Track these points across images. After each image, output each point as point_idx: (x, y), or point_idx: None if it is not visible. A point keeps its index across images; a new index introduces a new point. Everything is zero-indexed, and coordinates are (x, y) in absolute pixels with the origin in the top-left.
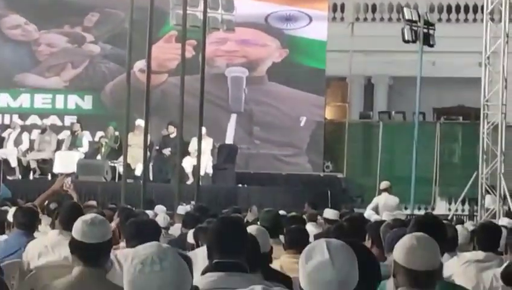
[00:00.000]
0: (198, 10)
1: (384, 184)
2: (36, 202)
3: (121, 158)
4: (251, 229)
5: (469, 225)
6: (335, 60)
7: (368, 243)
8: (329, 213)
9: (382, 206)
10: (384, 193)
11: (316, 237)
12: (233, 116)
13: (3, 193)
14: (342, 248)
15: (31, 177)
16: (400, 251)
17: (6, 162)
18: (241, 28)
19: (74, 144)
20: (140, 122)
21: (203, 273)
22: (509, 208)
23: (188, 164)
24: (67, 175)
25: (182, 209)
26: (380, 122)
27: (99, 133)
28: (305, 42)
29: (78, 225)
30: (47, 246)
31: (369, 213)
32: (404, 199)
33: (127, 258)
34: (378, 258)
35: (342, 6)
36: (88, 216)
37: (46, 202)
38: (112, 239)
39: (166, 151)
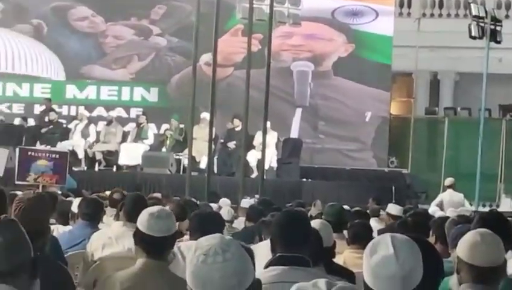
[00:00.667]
0: (264, 4)
1: (449, 181)
2: None
3: (186, 151)
4: (315, 223)
5: None
6: (401, 55)
7: (431, 239)
8: (393, 209)
9: (447, 203)
10: (449, 190)
11: (380, 232)
12: (299, 111)
13: (68, 184)
14: (406, 243)
15: (96, 168)
16: (463, 247)
17: (73, 153)
18: (307, 22)
19: (139, 136)
20: (205, 115)
21: (266, 266)
22: None
23: (252, 157)
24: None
25: (246, 202)
26: (445, 118)
27: (165, 126)
28: (371, 37)
29: (144, 218)
30: (111, 237)
31: (433, 209)
32: (468, 196)
33: (190, 249)
34: (442, 254)
35: (409, 2)
36: (154, 209)
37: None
38: (176, 232)
39: (231, 144)
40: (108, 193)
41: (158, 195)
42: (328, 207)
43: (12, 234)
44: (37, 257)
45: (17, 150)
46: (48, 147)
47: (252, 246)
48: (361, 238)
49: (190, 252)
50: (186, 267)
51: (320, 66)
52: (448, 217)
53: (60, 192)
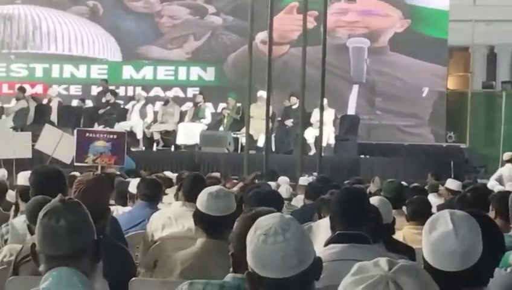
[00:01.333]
0: None
1: (507, 155)
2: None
3: (244, 129)
4: (374, 200)
5: None
6: (457, 29)
7: (491, 214)
8: (452, 184)
9: (506, 177)
10: (508, 164)
11: (439, 207)
12: (355, 87)
13: (127, 165)
14: (465, 218)
15: (154, 148)
16: None
17: (131, 133)
18: None
19: (197, 116)
20: (262, 94)
21: (326, 244)
22: None
23: (310, 134)
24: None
25: (304, 180)
26: (502, 92)
27: (222, 105)
28: (427, 12)
29: (203, 197)
30: (170, 217)
31: (492, 184)
32: None
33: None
34: (502, 229)
35: None
36: (213, 188)
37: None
38: (236, 212)
39: (289, 122)
40: (166, 173)
41: (217, 174)
42: (386, 183)
43: (76, 216)
44: (100, 240)
45: (75, 131)
46: (106, 128)
47: (312, 224)
48: (420, 214)
49: (250, 231)
50: (246, 246)
51: (376, 42)
52: (508, 192)
53: (118, 173)
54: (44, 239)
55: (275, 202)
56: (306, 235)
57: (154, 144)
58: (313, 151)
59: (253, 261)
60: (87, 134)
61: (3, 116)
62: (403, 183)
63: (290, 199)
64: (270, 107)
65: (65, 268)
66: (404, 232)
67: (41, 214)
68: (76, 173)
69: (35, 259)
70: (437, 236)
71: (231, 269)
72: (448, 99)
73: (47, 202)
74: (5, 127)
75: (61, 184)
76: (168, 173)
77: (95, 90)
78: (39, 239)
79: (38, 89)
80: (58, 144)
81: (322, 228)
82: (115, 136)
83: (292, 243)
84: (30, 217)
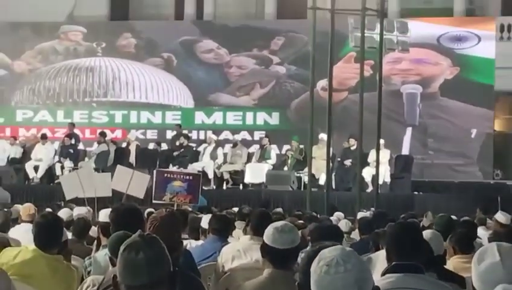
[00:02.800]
0: (375, 33)
1: None
2: None
3: (306, 169)
4: (426, 233)
5: None
6: (503, 76)
7: None
8: (502, 217)
9: None
10: None
11: (490, 238)
12: (409, 129)
13: (200, 202)
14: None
15: (224, 187)
16: None
17: (203, 173)
18: (415, 48)
19: (263, 157)
20: (323, 136)
21: (383, 274)
22: None
23: (367, 173)
24: None
25: (362, 215)
26: None
27: (286, 147)
28: (474, 60)
29: (269, 232)
30: (239, 250)
31: None
32: None
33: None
34: None
35: (509, 27)
36: (279, 223)
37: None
38: (300, 245)
39: (348, 162)
40: (235, 209)
41: (280, 210)
42: (438, 218)
43: (153, 250)
44: (175, 271)
45: (155, 172)
46: (180, 169)
47: (371, 255)
48: (464, 246)
49: (314, 262)
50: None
51: (427, 88)
52: None
53: (191, 209)
54: (125, 271)
55: (336, 235)
56: (365, 266)
57: (224, 183)
58: (370, 189)
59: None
60: (166, 174)
61: (86, 159)
62: (453, 217)
63: (349, 233)
64: (331, 149)
65: None
66: (452, 262)
67: (122, 248)
68: (153, 210)
69: (117, 289)
70: (485, 267)
71: None
72: (495, 140)
73: (127, 237)
74: (88, 168)
75: (139, 220)
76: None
77: (169, 134)
78: (120, 271)
79: (118, 133)
80: (131, 182)
81: (380, 259)
82: (191, 177)
83: (353, 274)
84: (112, 251)
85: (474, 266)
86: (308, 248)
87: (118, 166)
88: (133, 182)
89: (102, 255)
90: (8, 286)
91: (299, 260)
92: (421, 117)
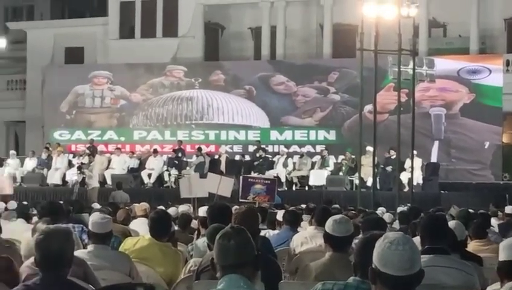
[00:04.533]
0: (409, 68)
1: None
2: None
3: (357, 174)
4: (451, 223)
5: None
6: (509, 100)
7: None
8: (509, 209)
9: None
10: None
11: (500, 226)
12: (436, 142)
13: (276, 200)
14: None
15: (293, 188)
16: None
17: (278, 178)
18: (440, 79)
19: (323, 165)
20: (369, 148)
21: None
22: None
23: (404, 177)
24: None
25: (401, 209)
26: None
27: (341, 157)
28: (486, 88)
29: (330, 223)
30: (306, 237)
31: None
32: None
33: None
34: None
35: None
36: (337, 216)
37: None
38: (354, 233)
39: (389, 168)
40: (303, 205)
41: (337, 206)
42: (459, 211)
43: (241, 238)
44: (258, 254)
45: (241, 177)
46: (260, 175)
47: None
48: (480, 233)
49: (379, 240)
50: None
51: (450, 110)
52: None
53: (268, 206)
54: (220, 254)
55: (381, 225)
56: (417, 249)
57: (294, 185)
58: (406, 189)
59: (377, 260)
60: (249, 179)
61: (187, 168)
62: (471, 210)
63: (391, 223)
64: (375, 158)
65: (234, 274)
66: (472, 245)
67: (217, 236)
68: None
69: (214, 268)
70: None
71: (353, 274)
72: (503, 150)
73: (221, 228)
74: (190, 175)
75: (228, 215)
76: (303, 206)
77: (251, 148)
78: (216, 254)
79: (212, 148)
80: (220, 185)
81: (416, 244)
82: (269, 181)
83: (408, 253)
84: (209, 239)
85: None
86: (360, 235)
87: (209, 173)
88: (222, 185)
89: (201, 242)
90: (130, 265)
91: (353, 245)
92: (445, 133)
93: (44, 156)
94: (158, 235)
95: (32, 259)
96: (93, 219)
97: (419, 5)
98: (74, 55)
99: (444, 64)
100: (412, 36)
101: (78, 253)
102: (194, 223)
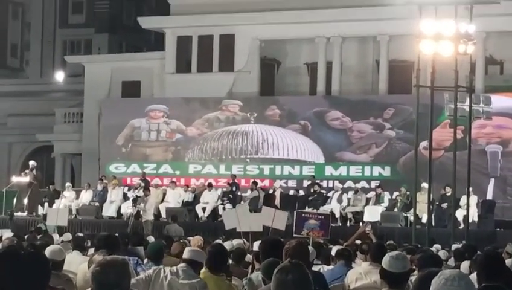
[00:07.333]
0: (465, 105)
1: None
2: (348, 242)
3: (412, 210)
4: (508, 261)
5: None
6: None
7: None
8: None
9: None
10: None
11: None
12: (492, 180)
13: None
14: None
15: (348, 224)
16: None
17: (332, 214)
18: (496, 116)
19: (378, 201)
20: (424, 185)
21: None
22: None
23: (459, 214)
24: (369, 223)
25: (456, 246)
26: None
27: (396, 193)
28: None
29: (387, 259)
30: (361, 273)
31: None
32: None
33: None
34: None
35: None
36: (394, 253)
37: (357, 241)
38: (409, 270)
39: (444, 205)
40: (358, 242)
41: (391, 242)
42: None
43: (299, 272)
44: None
45: (295, 212)
46: (314, 210)
47: None
48: None
49: (435, 278)
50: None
51: (506, 148)
52: None
53: (322, 242)
54: (278, 288)
55: (437, 262)
56: (473, 287)
57: (348, 221)
58: (461, 226)
59: None
60: (303, 215)
61: (242, 202)
62: None
63: (446, 260)
64: (431, 195)
65: None
66: None
67: (275, 270)
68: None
69: None
70: None
71: None
72: None
73: (277, 263)
74: (244, 207)
75: (281, 249)
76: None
77: (305, 183)
78: (273, 288)
79: (266, 182)
80: (274, 218)
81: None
82: (323, 217)
83: (463, 288)
84: (265, 273)
85: None
86: (415, 272)
87: (263, 207)
88: (276, 218)
89: (255, 276)
90: None
91: (409, 282)
92: (502, 170)
93: (100, 188)
94: (214, 269)
95: None
96: None
97: (476, 42)
98: (131, 89)
99: (501, 101)
100: (468, 73)
101: None
102: (248, 257)
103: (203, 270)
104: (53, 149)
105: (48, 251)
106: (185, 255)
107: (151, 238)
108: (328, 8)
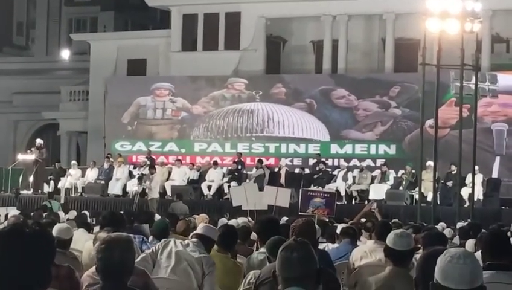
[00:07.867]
0: (471, 83)
1: None
2: (354, 220)
3: (417, 188)
4: None
5: None
6: None
7: None
8: None
9: None
10: None
11: None
12: (498, 158)
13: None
14: None
15: (353, 202)
16: None
17: (337, 192)
18: (502, 94)
19: (383, 179)
20: (430, 163)
21: None
22: None
23: (465, 192)
24: (374, 201)
25: (461, 225)
26: None
27: (401, 171)
28: None
29: (391, 237)
30: (366, 251)
31: None
32: None
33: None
34: None
35: None
36: (399, 231)
37: (362, 219)
38: (414, 248)
39: (449, 183)
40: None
41: (396, 220)
42: None
43: (304, 251)
44: (320, 268)
45: (300, 191)
46: (319, 188)
47: None
48: None
49: (441, 256)
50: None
51: None
52: None
53: (327, 220)
54: (283, 266)
55: (442, 241)
56: (479, 265)
57: (353, 199)
58: (467, 204)
59: (438, 275)
60: (309, 193)
61: (247, 180)
62: None
63: (451, 239)
64: (436, 173)
65: (296, 287)
66: None
67: (280, 248)
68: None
69: (275, 280)
70: None
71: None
72: None
73: (282, 241)
74: (254, 185)
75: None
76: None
77: (311, 161)
78: (278, 266)
79: (271, 161)
80: (277, 196)
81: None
82: (328, 195)
83: (469, 267)
84: (270, 251)
85: None
86: (420, 250)
87: (266, 186)
88: (279, 196)
89: (255, 256)
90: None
91: (413, 260)
92: (507, 148)
93: (106, 166)
94: (224, 248)
95: (93, 268)
96: None
97: (482, 20)
98: (136, 67)
99: (507, 79)
100: (474, 51)
101: None
102: (254, 236)
103: (214, 247)
104: (59, 127)
105: (55, 229)
106: (199, 230)
107: (156, 216)
108: None
